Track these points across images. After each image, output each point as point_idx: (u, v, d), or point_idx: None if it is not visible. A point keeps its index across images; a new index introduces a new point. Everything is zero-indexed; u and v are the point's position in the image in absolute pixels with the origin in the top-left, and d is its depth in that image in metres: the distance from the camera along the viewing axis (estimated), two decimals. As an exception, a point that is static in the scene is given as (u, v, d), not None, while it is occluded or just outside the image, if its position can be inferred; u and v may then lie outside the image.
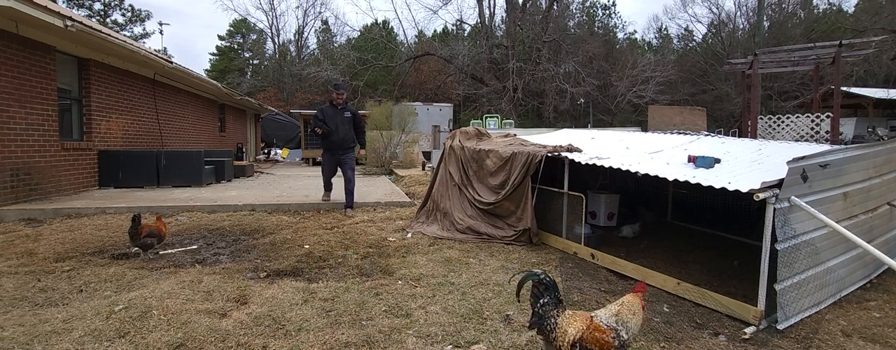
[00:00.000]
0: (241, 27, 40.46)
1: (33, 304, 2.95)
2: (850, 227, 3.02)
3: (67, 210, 5.91)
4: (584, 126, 25.71)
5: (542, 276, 2.16)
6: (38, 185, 6.49)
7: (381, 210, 6.74)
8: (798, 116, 9.25)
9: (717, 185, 2.98)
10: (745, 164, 3.61)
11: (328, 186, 6.95)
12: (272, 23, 40.53)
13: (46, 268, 3.69)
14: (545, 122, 28.25)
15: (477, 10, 27.57)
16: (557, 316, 2.09)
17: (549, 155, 4.55)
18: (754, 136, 8.97)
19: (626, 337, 2.00)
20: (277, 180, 10.56)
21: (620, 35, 37.81)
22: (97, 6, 33.01)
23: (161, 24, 47.73)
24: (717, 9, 39.89)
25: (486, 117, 21.13)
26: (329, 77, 26.34)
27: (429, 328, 2.66)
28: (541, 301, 2.15)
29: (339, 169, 6.65)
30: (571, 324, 2.05)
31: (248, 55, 41.61)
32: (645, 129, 15.18)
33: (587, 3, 35.26)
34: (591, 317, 2.08)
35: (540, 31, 25.91)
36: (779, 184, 2.71)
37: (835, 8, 31.47)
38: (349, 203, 6.53)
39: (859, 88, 18.64)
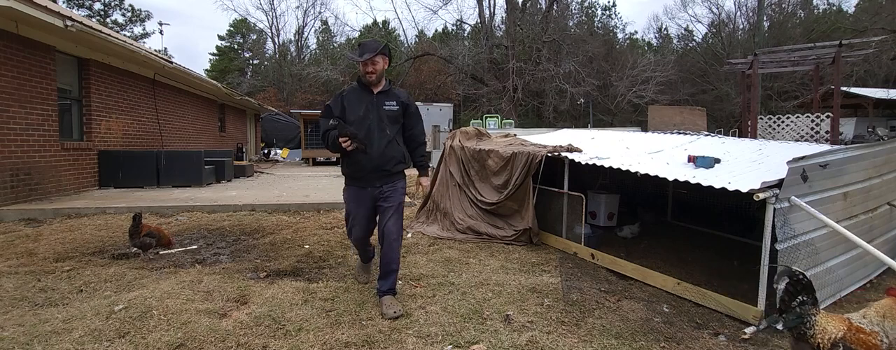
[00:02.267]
0: (241, 27, 40.45)
1: (33, 304, 2.95)
2: (850, 227, 3.02)
3: (67, 210, 5.91)
4: (584, 126, 25.71)
5: (800, 276, 2.15)
6: (38, 185, 6.49)
7: (381, 210, 6.74)
8: (798, 116, 9.25)
9: (717, 185, 2.98)
10: (745, 164, 3.61)
11: (367, 254, 3.45)
12: (272, 23, 40.52)
13: (46, 268, 3.69)
14: (545, 122, 28.23)
15: (477, 10, 27.56)
16: (816, 315, 2.09)
17: (549, 155, 4.55)
18: (754, 136, 8.97)
19: (887, 341, 1.99)
20: (277, 180, 10.56)
21: (620, 35, 37.84)
22: (97, 6, 33.04)
23: (161, 24, 47.76)
24: (717, 9, 39.84)
25: (486, 117, 21.13)
26: (329, 77, 26.32)
27: (429, 328, 2.66)
28: (797, 299, 2.13)
29: (376, 217, 3.12)
30: (830, 323, 2.05)
31: (248, 55, 41.60)
32: (645, 129, 15.18)
33: (586, 4, 35.25)
34: (848, 318, 2.08)
35: (540, 31, 25.89)
36: (779, 184, 2.71)
37: (835, 8, 31.47)
38: (386, 286, 3.01)
39: (859, 88, 18.64)
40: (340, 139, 2.78)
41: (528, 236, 4.65)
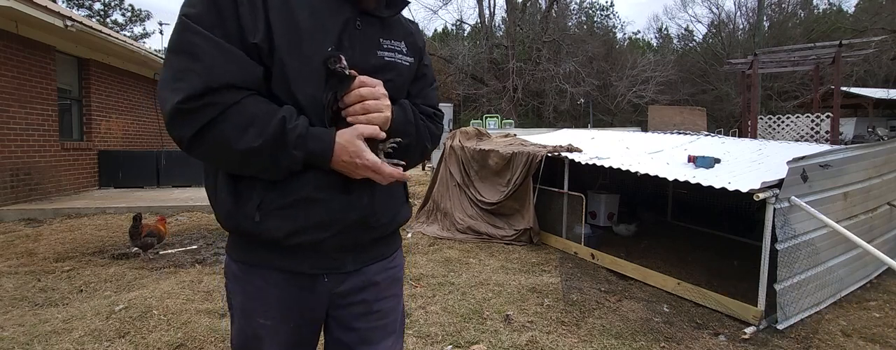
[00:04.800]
0: (241, 27, 40.45)
1: (33, 304, 2.95)
2: (850, 227, 3.02)
3: (67, 210, 5.91)
4: (584, 126, 25.71)
5: None
6: (38, 185, 6.49)
7: (381, 210, 6.73)
8: (798, 116, 9.25)
9: (717, 185, 2.98)
10: (745, 164, 3.61)
11: None
12: (272, 23, 40.48)
13: (46, 268, 3.69)
14: (545, 122, 28.23)
15: (477, 10, 27.63)
16: None
17: (549, 155, 4.55)
18: (754, 136, 8.97)
19: None
20: (277, 180, 10.55)
21: (620, 35, 37.82)
22: (97, 6, 33.01)
23: (161, 24, 47.78)
24: (717, 9, 39.91)
25: (486, 117, 21.14)
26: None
27: (429, 328, 2.66)
28: None
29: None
30: None
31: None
32: (645, 129, 15.18)
33: (585, 4, 35.27)
34: None
35: (540, 31, 25.93)
36: (779, 184, 2.71)
37: (835, 8, 31.46)
38: None
39: (859, 88, 18.64)
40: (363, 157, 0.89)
41: (528, 236, 4.66)
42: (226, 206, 0.92)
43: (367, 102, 0.89)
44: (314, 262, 0.97)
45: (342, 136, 0.88)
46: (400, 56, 1.03)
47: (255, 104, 0.84)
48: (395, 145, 0.97)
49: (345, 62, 0.87)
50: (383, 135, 0.92)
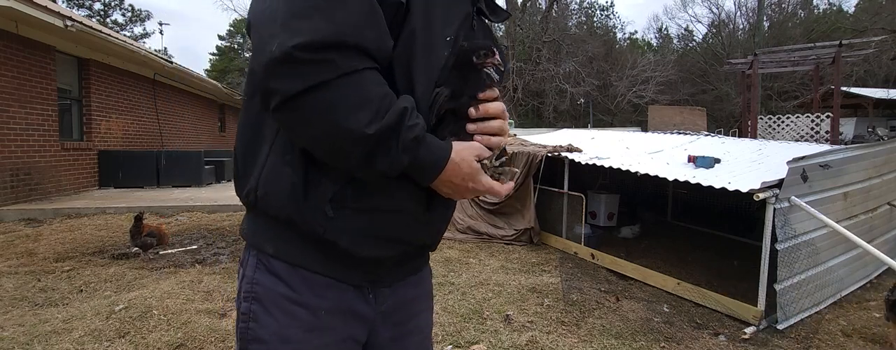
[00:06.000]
0: (241, 27, 40.47)
1: (33, 304, 2.95)
2: (850, 227, 3.02)
3: (67, 210, 5.90)
4: (584, 126, 25.71)
5: None
6: (38, 185, 6.49)
7: (381, 210, 6.74)
8: (798, 116, 9.26)
9: (717, 185, 2.98)
10: (745, 164, 3.62)
11: None
12: (272, 23, 40.46)
13: (46, 268, 3.69)
14: (545, 122, 28.24)
15: (477, 10, 27.58)
16: None
17: (550, 155, 4.55)
18: (754, 136, 8.97)
19: None
20: (277, 180, 10.54)
21: (620, 35, 37.82)
22: (97, 6, 33.04)
23: (161, 24, 47.94)
24: (717, 9, 39.91)
25: (486, 117, 21.12)
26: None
27: (429, 328, 2.66)
28: None
29: None
30: None
31: (248, 55, 41.63)
32: (645, 129, 15.19)
33: (584, 4, 35.29)
34: None
35: (540, 31, 25.93)
36: (779, 184, 2.71)
37: (835, 8, 31.47)
38: None
39: (859, 88, 18.62)
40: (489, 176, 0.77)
41: (528, 236, 4.66)
42: (286, 184, 0.71)
43: (495, 114, 0.74)
44: (363, 274, 0.79)
45: (459, 153, 0.71)
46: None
47: (374, 82, 0.65)
48: (503, 160, 0.78)
49: (498, 58, 0.71)
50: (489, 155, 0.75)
